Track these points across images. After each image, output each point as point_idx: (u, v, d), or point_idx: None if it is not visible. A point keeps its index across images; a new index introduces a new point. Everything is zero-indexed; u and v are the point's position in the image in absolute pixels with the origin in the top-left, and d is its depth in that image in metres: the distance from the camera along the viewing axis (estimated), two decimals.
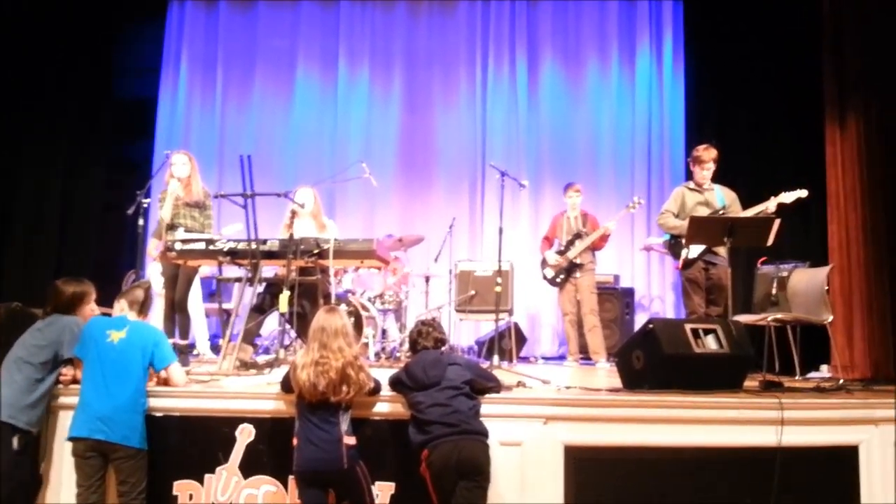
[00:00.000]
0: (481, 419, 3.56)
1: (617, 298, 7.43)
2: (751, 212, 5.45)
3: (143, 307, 3.83)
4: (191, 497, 3.75)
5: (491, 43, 8.52)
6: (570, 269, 6.59)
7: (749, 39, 7.47)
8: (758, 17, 7.40)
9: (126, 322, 3.71)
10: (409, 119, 8.54)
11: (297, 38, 8.60)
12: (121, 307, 3.80)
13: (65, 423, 3.76)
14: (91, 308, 3.93)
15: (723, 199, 5.72)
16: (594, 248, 6.64)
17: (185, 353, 5.43)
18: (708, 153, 5.72)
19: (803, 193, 5.46)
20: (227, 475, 3.75)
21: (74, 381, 3.76)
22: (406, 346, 5.86)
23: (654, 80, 8.35)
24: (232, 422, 3.79)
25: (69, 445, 3.57)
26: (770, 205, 5.39)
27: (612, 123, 8.36)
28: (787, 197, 5.42)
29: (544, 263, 6.78)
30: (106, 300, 4.12)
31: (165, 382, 3.85)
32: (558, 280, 6.66)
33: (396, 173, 8.43)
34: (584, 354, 6.62)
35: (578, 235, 6.61)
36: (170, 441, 3.75)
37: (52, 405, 3.78)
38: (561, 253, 6.63)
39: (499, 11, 8.54)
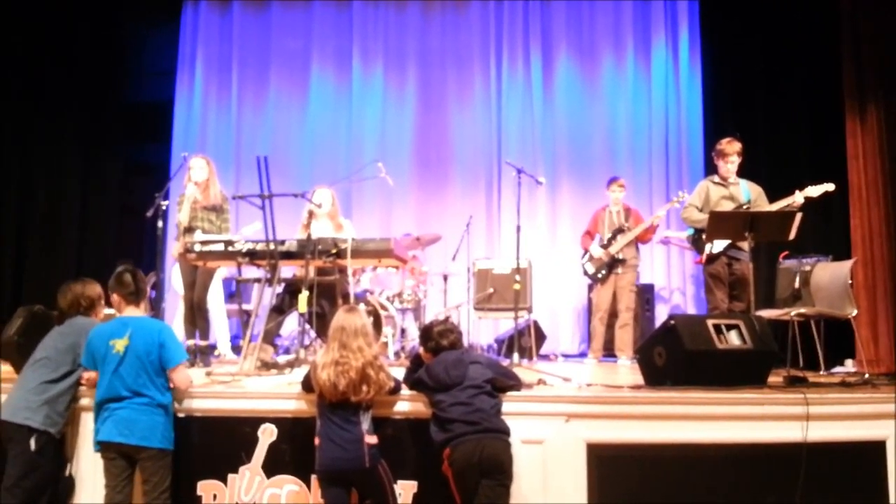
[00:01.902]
0: (503, 417, 3.55)
1: (637, 295, 7.35)
2: (777, 206, 5.37)
3: (137, 293, 3.71)
4: (215, 497, 3.77)
5: (505, 40, 8.49)
6: (612, 264, 6.52)
7: (766, 32, 7.39)
8: (775, 10, 7.31)
9: (127, 326, 3.58)
10: (423, 118, 8.53)
11: (311, 39, 8.62)
12: (117, 302, 3.71)
13: (88, 424, 3.80)
14: (102, 306, 3.96)
15: (748, 193, 5.63)
16: (641, 241, 6.57)
17: (206, 353, 5.47)
18: (731, 146, 5.64)
19: (830, 187, 5.39)
20: (250, 475, 3.76)
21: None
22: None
23: (671, 75, 8.28)
24: (254, 422, 3.79)
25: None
26: (797, 199, 5.31)
27: (629, 119, 8.30)
28: (814, 190, 5.35)
29: (586, 258, 6.71)
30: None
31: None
32: (599, 275, 6.59)
33: (412, 172, 8.42)
34: (608, 351, 6.57)
35: (620, 230, 6.54)
36: (193, 441, 3.76)
37: (76, 407, 3.81)
38: (604, 247, 6.57)
39: (512, 8, 8.50)
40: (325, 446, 3.41)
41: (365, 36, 8.57)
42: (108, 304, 3.97)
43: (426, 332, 3.80)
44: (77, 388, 3.78)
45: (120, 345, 3.52)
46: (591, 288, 7.24)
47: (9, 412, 3.60)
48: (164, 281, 6.13)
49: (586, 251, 6.70)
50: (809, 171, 6.12)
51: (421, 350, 3.83)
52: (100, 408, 3.53)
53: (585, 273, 6.72)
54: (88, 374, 3.74)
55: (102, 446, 3.51)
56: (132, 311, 3.71)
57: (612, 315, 6.54)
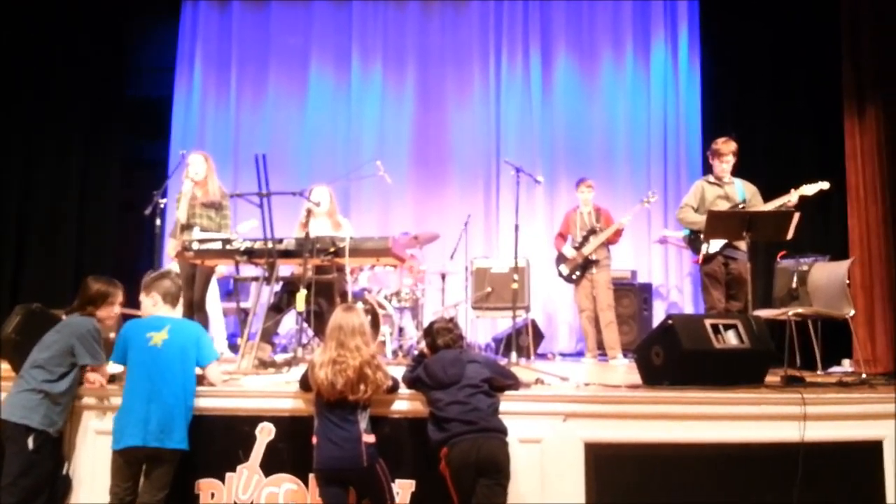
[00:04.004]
0: (500, 416, 3.55)
1: (634, 294, 7.39)
2: (772, 205, 5.38)
3: (175, 298, 3.81)
4: (212, 496, 3.77)
5: (504, 39, 8.49)
6: (586, 265, 6.55)
7: (766, 32, 7.40)
8: (774, 10, 7.32)
9: (165, 321, 3.66)
10: (422, 116, 8.52)
11: (311, 37, 8.61)
12: (153, 301, 3.74)
13: (88, 423, 3.82)
14: (114, 311, 3.93)
15: (743, 192, 5.63)
16: (609, 243, 6.60)
17: None
18: (727, 146, 5.65)
19: (825, 185, 5.38)
20: (248, 474, 3.76)
21: (102, 386, 3.78)
22: (423, 344, 5.87)
23: (670, 75, 8.28)
24: (252, 420, 3.80)
25: (99, 448, 3.60)
26: (792, 197, 5.32)
27: (628, 118, 8.31)
28: (809, 189, 5.35)
29: (559, 260, 6.75)
30: (125, 300, 4.12)
31: (201, 379, 3.79)
32: (574, 277, 6.62)
33: (411, 171, 8.42)
34: (603, 350, 6.59)
35: (593, 231, 6.56)
36: (191, 440, 3.72)
37: (76, 405, 3.81)
38: (576, 249, 6.60)
39: (512, 7, 8.50)
40: (322, 445, 3.41)
41: (364, 34, 8.56)
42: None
43: (428, 329, 3.84)
44: (76, 387, 3.77)
45: (158, 338, 3.57)
46: None
47: (7, 411, 3.59)
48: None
49: (560, 253, 6.71)
50: (808, 170, 6.12)
51: (424, 346, 3.84)
52: (129, 407, 3.50)
53: (560, 275, 6.76)
54: (93, 376, 3.75)
55: (126, 451, 3.49)
56: (167, 313, 3.75)
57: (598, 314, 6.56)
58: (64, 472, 3.79)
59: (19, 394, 3.62)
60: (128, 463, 3.51)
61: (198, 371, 3.77)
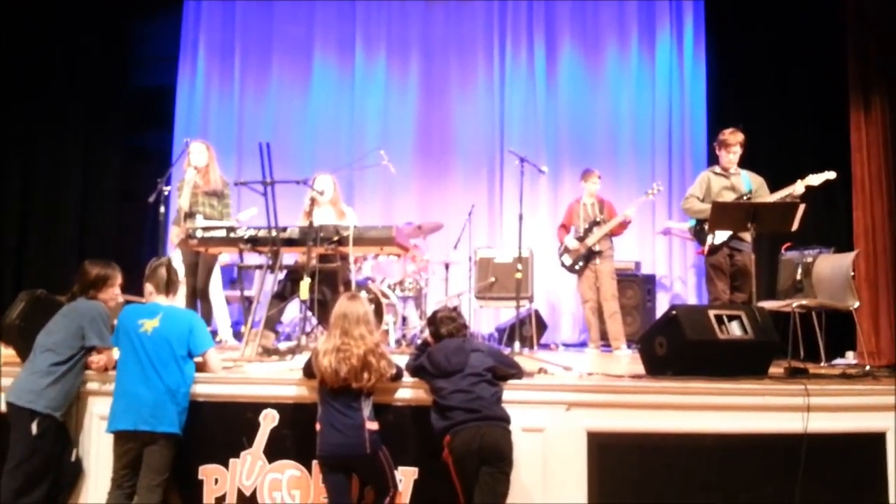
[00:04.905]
0: (503, 405, 3.55)
1: (638, 285, 7.39)
2: (778, 195, 5.35)
3: (170, 286, 3.78)
4: (216, 482, 3.78)
5: (508, 29, 8.47)
6: (589, 255, 6.54)
7: (771, 24, 7.35)
8: (780, 1, 7.27)
9: (159, 309, 3.66)
10: (426, 106, 8.51)
11: (314, 26, 8.60)
12: (149, 290, 3.77)
13: (93, 408, 3.84)
14: (115, 293, 3.94)
15: (749, 183, 5.61)
16: (612, 234, 6.59)
17: None
18: (734, 137, 5.61)
19: (831, 175, 5.35)
20: (251, 460, 3.78)
21: (106, 368, 3.79)
22: (426, 332, 5.86)
23: (675, 66, 8.25)
24: (256, 407, 3.80)
25: (103, 433, 3.61)
26: (797, 188, 5.29)
27: (632, 110, 8.29)
28: (815, 179, 5.31)
29: (562, 251, 6.75)
30: (127, 288, 4.13)
31: (201, 368, 3.80)
32: (577, 267, 6.62)
33: (415, 160, 8.42)
34: (606, 341, 6.59)
35: (596, 222, 6.56)
36: (195, 426, 3.74)
37: (81, 391, 3.82)
38: (580, 240, 6.59)
39: None
40: (326, 432, 3.42)
41: (368, 24, 8.54)
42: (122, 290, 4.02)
43: (432, 318, 3.83)
44: (83, 372, 3.79)
45: (149, 325, 3.58)
46: None
47: (15, 394, 3.61)
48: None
49: (562, 244, 6.71)
50: (813, 162, 6.08)
51: (427, 335, 3.84)
52: (121, 390, 3.54)
53: (563, 265, 6.76)
54: (97, 358, 3.76)
55: (119, 434, 3.52)
56: (163, 301, 3.76)
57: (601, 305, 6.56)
58: (73, 458, 3.80)
59: (28, 377, 3.64)
60: (123, 447, 3.53)
61: (198, 360, 3.76)
